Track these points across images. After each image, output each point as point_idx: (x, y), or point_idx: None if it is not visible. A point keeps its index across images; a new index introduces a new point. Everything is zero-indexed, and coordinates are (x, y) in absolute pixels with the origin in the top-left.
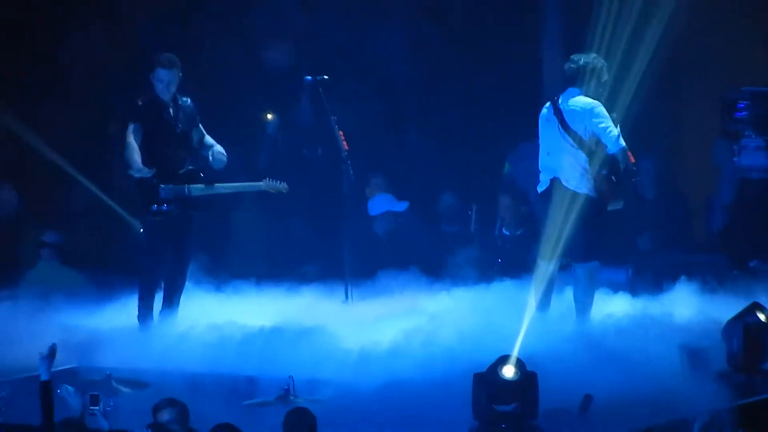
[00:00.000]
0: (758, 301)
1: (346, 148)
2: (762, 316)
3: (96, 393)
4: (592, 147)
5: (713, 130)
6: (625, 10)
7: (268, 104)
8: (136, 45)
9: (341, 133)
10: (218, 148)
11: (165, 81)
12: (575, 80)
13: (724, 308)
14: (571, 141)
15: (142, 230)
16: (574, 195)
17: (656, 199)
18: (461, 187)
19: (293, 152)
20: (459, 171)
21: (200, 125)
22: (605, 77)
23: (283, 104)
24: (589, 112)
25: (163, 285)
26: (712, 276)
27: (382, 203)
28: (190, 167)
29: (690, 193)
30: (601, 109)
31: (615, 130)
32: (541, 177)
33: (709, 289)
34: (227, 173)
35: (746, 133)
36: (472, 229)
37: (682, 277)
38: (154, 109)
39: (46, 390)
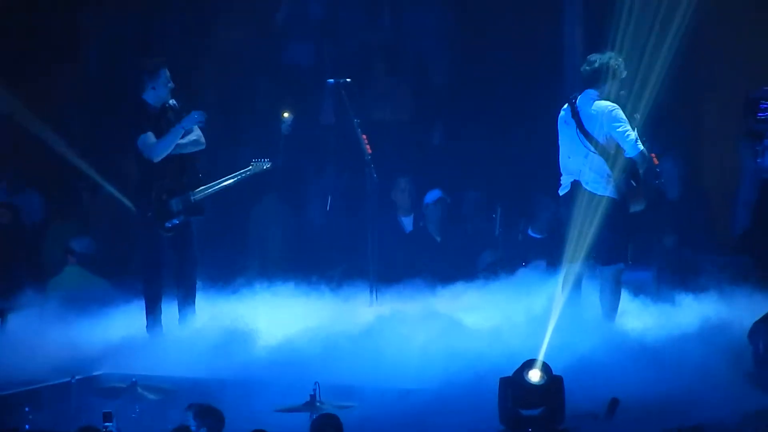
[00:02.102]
0: None
1: (369, 151)
2: None
3: (109, 411)
4: (610, 150)
5: (736, 129)
6: (647, 7)
7: (291, 105)
8: (161, 48)
9: (364, 136)
10: (195, 134)
11: (168, 80)
12: (592, 82)
13: (750, 309)
14: (590, 145)
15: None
16: (596, 198)
17: (680, 199)
18: (485, 189)
19: (316, 154)
20: (482, 174)
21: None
22: (623, 74)
23: (307, 105)
24: (607, 116)
25: (177, 294)
26: (736, 277)
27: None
28: (190, 170)
29: (714, 193)
30: (619, 112)
31: (633, 134)
32: (563, 180)
33: (734, 289)
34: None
35: None
36: (497, 233)
37: (707, 278)
38: (159, 115)
39: None
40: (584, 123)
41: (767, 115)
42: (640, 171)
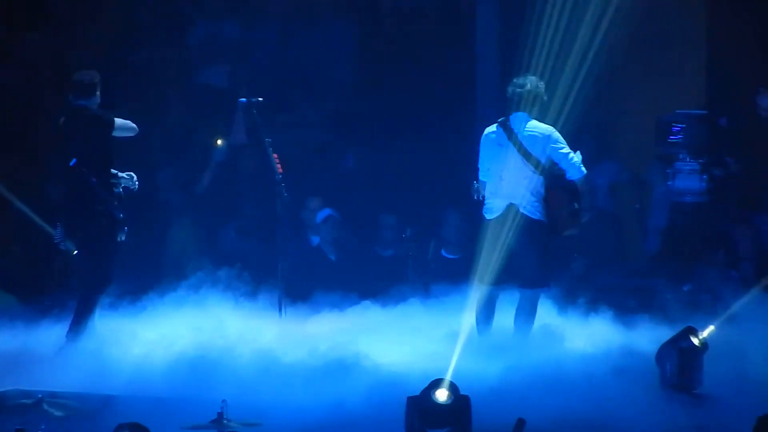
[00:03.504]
0: (692, 325)
1: (280, 170)
2: (695, 341)
3: (21, 428)
4: (547, 172)
5: (647, 153)
6: (561, 31)
7: (204, 124)
8: (72, 62)
9: (275, 155)
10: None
11: None
12: (522, 104)
13: (658, 332)
14: (532, 167)
15: (75, 252)
16: (529, 221)
17: (591, 223)
18: (395, 210)
19: (229, 173)
20: (393, 193)
21: None
22: (545, 98)
23: (219, 124)
24: (548, 138)
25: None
26: (646, 299)
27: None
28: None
29: (625, 216)
30: (558, 134)
31: (576, 157)
32: (492, 203)
33: (644, 312)
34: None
35: (680, 156)
36: (407, 253)
37: (617, 301)
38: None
39: None
40: (525, 144)
41: (679, 138)
42: (582, 194)
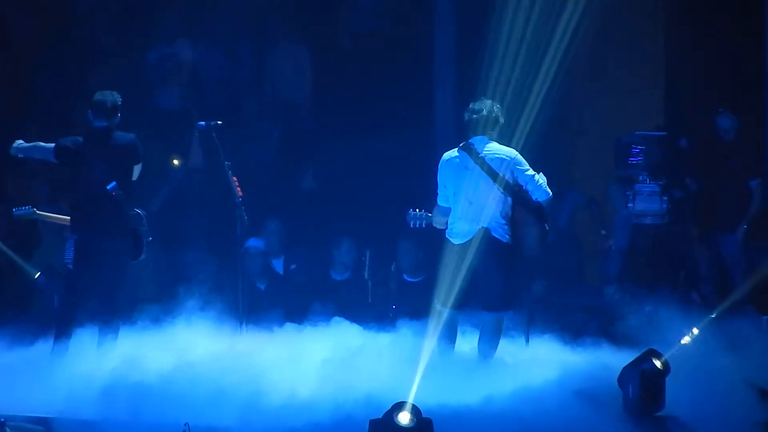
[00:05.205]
0: (654, 347)
1: (240, 193)
2: (658, 363)
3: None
4: (514, 194)
5: (606, 174)
6: (518, 52)
7: (162, 147)
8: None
9: (235, 178)
10: None
11: None
12: (481, 128)
13: (620, 355)
14: (501, 188)
15: (38, 275)
16: (498, 244)
17: (551, 244)
18: (355, 231)
19: (188, 195)
20: (352, 218)
21: None
22: (502, 121)
23: (178, 147)
24: (514, 160)
25: (62, 324)
26: (607, 322)
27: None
28: None
29: (585, 238)
30: (521, 157)
31: (542, 178)
32: (461, 227)
33: (605, 334)
34: None
35: (640, 178)
36: (366, 276)
37: (577, 323)
38: None
39: None
40: (493, 166)
41: (638, 160)
42: (548, 215)
